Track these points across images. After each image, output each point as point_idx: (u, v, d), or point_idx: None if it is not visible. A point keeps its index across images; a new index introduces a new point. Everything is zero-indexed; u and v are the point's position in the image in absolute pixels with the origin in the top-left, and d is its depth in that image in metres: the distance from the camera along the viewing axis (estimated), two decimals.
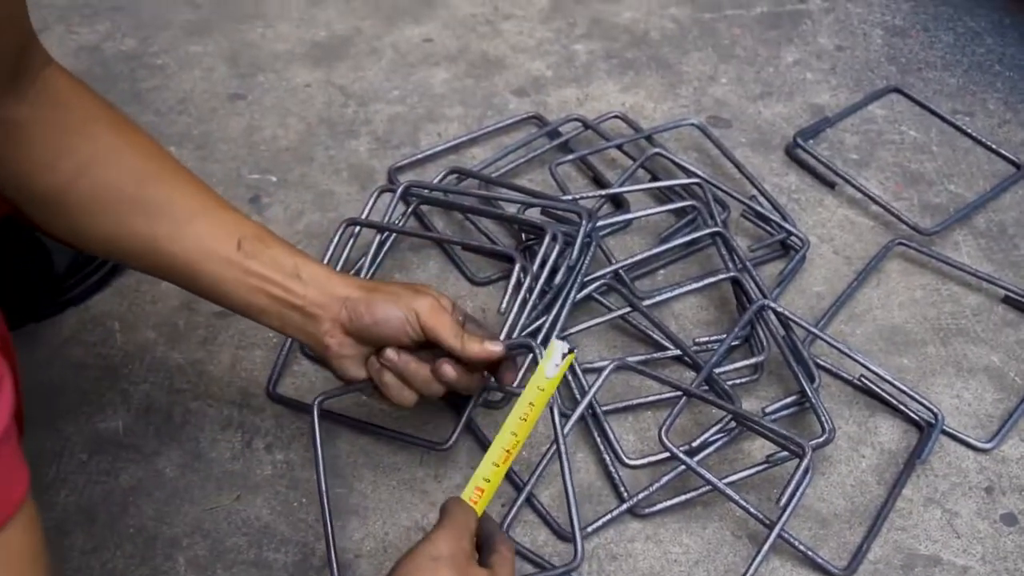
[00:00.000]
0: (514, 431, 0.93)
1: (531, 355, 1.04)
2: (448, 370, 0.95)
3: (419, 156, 1.39)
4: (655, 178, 1.35)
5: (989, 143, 1.42)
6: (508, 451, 0.93)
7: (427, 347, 0.96)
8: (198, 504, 1.06)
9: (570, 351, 0.94)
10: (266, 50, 1.56)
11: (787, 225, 1.30)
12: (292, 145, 1.43)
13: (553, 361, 0.94)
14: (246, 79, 1.51)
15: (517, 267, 1.11)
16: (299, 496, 1.07)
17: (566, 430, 1.06)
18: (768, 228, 1.31)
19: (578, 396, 1.13)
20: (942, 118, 1.46)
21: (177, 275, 0.94)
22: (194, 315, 1.23)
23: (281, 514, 1.05)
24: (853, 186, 1.37)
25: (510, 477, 1.08)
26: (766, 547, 1.00)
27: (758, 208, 1.31)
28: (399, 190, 1.24)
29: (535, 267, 1.12)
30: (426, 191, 1.27)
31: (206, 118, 1.46)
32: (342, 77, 1.52)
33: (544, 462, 1.07)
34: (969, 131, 1.44)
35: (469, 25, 1.60)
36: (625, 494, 1.07)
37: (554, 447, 1.06)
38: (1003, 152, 1.41)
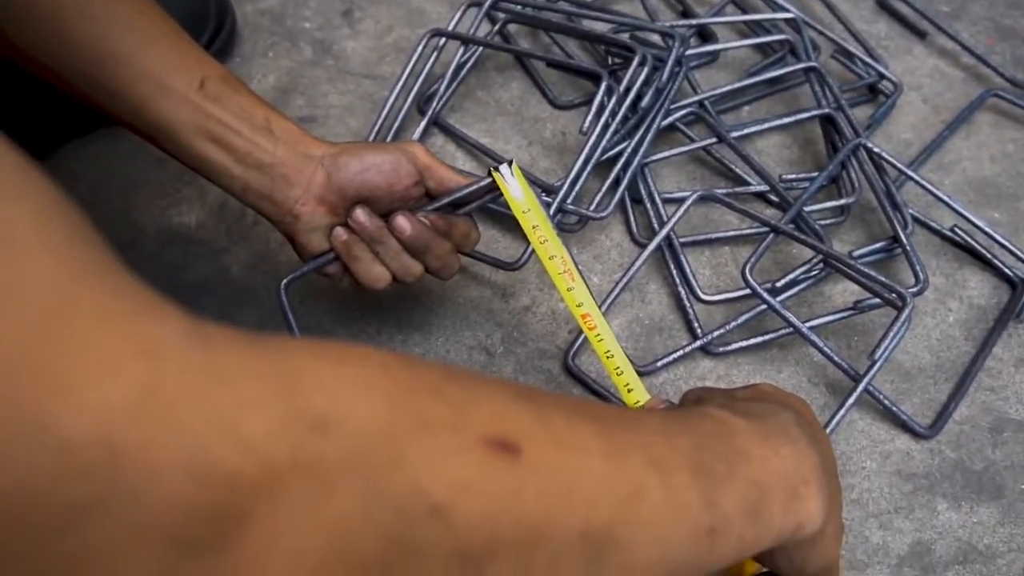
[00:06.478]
0: (551, 256, 0.61)
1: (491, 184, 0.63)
2: (403, 222, 0.61)
3: None
4: (745, 13, 0.97)
5: None
6: (566, 271, 0.61)
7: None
8: (262, 306, 0.76)
9: (509, 163, 0.62)
10: None
11: (880, 68, 0.92)
12: None
13: (510, 185, 0.62)
14: None
15: (603, 86, 0.76)
16: (359, 303, 0.76)
17: (642, 259, 0.73)
18: (859, 71, 0.93)
19: (656, 226, 0.80)
20: None
21: (122, 107, 0.58)
22: None
23: (339, 321, 0.75)
24: (947, 34, 0.97)
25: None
26: (852, 400, 0.68)
27: (851, 49, 0.93)
28: (486, 4, 0.88)
29: (621, 89, 0.77)
30: (516, 7, 0.91)
31: None
32: None
33: (615, 294, 0.74)
34: None
35: None
36: (699, 330, 0.74)
37: (622, 282, 0.73)
38: None
